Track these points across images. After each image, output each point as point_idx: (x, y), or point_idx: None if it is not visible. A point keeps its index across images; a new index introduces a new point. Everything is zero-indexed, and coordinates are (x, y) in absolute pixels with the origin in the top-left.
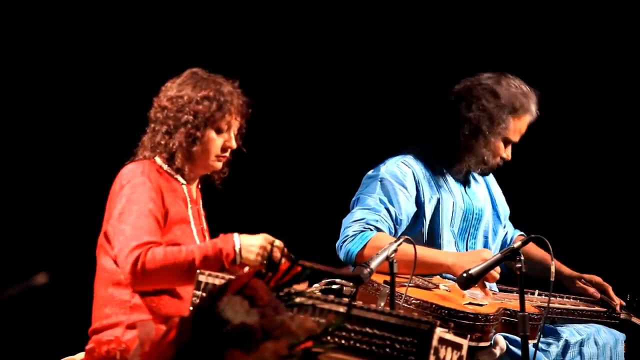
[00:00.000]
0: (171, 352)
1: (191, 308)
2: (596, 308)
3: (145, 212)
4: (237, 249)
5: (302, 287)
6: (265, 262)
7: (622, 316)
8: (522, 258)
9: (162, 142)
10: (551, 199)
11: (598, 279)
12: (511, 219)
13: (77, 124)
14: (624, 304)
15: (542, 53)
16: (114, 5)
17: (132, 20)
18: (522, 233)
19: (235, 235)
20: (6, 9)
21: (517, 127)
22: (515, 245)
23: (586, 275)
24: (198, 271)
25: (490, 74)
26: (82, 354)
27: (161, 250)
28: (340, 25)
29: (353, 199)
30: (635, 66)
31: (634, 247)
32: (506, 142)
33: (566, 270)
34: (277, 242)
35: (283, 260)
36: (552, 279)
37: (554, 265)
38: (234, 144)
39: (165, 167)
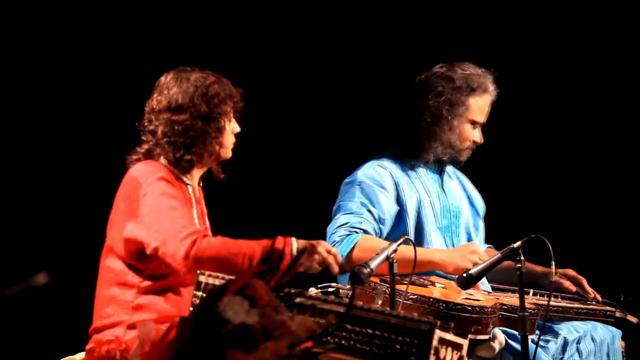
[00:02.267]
0: (171, 352)
1: (191, 308)
2: (592, 306)
3: (176, 205)
4: (294, 252)
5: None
6: (320, 267)
7: (618, 314)
8: (522, 258)
9: (164, 147)
10: (549, 199)
11: (572, 272)
12: (510, 218)
13: (78, 124)
14: (599, 297)
15: (539, 52)
16: (116, 4)
17: (132, 20)
18: (490, 246)
19: (293, 239)
20: (5, 9)
21: (478, 106)
22: (515, 245)
23: (560, 270)
24: (198, 272)
25: (442, 64)
26: (82, 354)
27: (217, 239)
28: (311, 32)
29: (334, 207)
30: (634, 65)
31: (629, 247)
32: (472, 123)
33: (538, 268)
34: (333, 250)
35: (337, 269)
36: (553, 278)
37: (554, 265)
38: (237, 128)
39: (170, 168)
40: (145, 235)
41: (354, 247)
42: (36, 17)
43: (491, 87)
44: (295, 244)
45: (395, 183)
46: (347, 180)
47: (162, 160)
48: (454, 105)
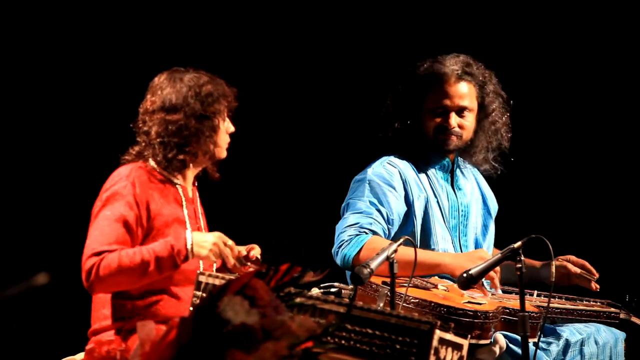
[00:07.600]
0: (171, 353)
1: (191, 308)
2: (595, 308)
3: (116, 217)
4: (188, 245)
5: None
6: (216, 258)
7: (622, 316)
8: (522, 258)
9: (155, 147)
10: (550, 199)
11: (573, 257)
12: (510, 218)
13: (76, 124)
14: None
15: (538, 53)
16: (111, 5)
17: (127, 20)
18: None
19: (188, 232)
20: (4, 10)
21: (435, 98)
22: (515, 245)
23: (561, 257)
24: (198, 272)
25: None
26: (82, 354)
27: (115, 256)
28: (323, 31)
29: (343, 204)
30: (634, 65)
31: (634, 247)
32: (434, 112)
33: (537, 263)
34: (230, 242)
35: (234, 261)
36: (553, 279)
37: (554, 265)
38: (231, 128)
39: (158, 169)
40: None
41: (362, 248)
42: (33, 17)
43: (447, 71)
44: (189, 235)
45: (403, 182)
46: (357, 177)
47: (151, 162)
48: (412, 103)
